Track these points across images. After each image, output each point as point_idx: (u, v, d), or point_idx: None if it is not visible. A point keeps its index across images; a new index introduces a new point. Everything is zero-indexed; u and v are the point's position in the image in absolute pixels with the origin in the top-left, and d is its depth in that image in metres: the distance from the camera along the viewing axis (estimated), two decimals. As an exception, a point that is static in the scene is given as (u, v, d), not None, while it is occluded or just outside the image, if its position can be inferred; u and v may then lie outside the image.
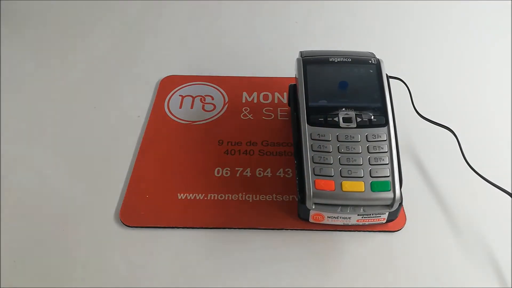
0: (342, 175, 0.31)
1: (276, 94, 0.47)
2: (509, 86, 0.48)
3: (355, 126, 0.32)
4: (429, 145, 0.41)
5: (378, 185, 0.30)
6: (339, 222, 0.33)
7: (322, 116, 0.33)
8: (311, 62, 0.36)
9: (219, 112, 0.45)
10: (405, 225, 0.35)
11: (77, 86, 0.49)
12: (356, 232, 0.34)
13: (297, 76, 0.36)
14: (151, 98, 0.47)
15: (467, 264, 0.33)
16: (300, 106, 0.34)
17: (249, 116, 0.44)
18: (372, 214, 0.32)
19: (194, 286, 0.32)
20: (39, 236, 0.35)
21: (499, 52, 0.53)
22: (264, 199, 0.37)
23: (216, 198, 0.37)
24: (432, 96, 0.46)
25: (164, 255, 0.33)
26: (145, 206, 0.36)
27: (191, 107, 0.46)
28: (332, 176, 0.31)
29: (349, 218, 0.33)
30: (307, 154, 0.32)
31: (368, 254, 0.33)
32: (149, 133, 0.43)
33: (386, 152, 0.31)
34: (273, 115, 0.44)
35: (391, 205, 0.31)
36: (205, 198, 0.37)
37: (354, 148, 0.31)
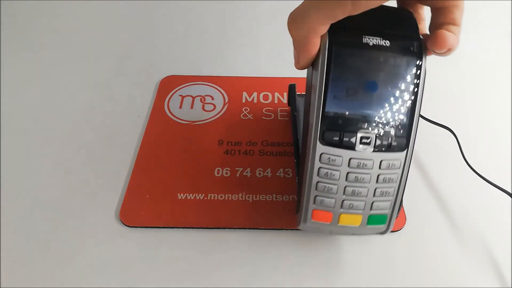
0: (343, 207, 0.28)
1: (276, 94, 0.47)
2: (509, 86, 0.48)
3: (372, 150, 0.26)
4: (429, 145, 0.41)
5: (375, 219, 0.28)
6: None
7: (338, 133, 0.26)
8: (341, 43, 0.25)
9: (219, 112, 0.45)
10: (405, 225, 0.35)
11: (77, 86, 0.49)
12: (356, 232, 0.35)
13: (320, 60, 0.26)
14: (151, 98, 0.47)
15: (467, 264, 0.33)
16: (311, 109, 0.27)
17: (249, 116, 0.44)
18: None
19: (194, 286, 0.32)
20: (39, 236, 0.35)
21: (499, 52, 0.53)
22: (264, 199, 0.37)
23: (216, 198, 0.37)
24: (432, 96, 0.46)
25: (164, 255, 0.33)
26: (145, 206, 0.36)
27: (191, 107, 0.46)
28: (332, 207, 0.28)
29: None
30: (312, 178, 0.27)
31: (368, 254, 0.33)
32: (149, 133, 0.43)
33: (395, 183, 0.27)
34: (273, 115, 0.44)
35: (383, 233, 0.30)
36: (205, 198, 0.37)
37: (363, 179, 0.27)
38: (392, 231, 0.34)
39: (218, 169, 0.39)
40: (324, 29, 0.25)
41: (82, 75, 0.51)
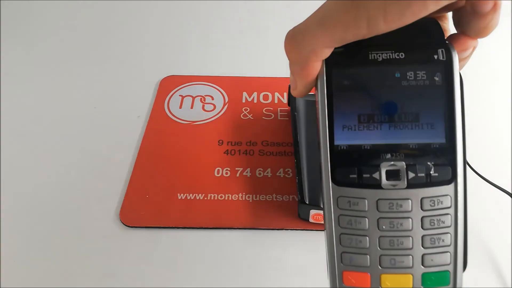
0: (382, 265, 0.21)
1: (276, 94, 0.47)
2: (509, 86, 0.48)
3: (405, 186, 0.20)
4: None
5: (433, 279, 0.21)
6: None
7: (355, 170, 0.21)
8: (341, 63, 0.21)
9: (219, 112, 0.45)
10: (405, 225, 0.35)
11: (77, 86, 0.49)
12: (356, 232, 0.34)
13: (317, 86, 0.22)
14: (151, 98, 0.47)
15: (467, 264, 0.33)
16: (318, 144, 0.22)
17: (249, 116, 0.44)
18: None
19: (194, 286, 0.32)
20: (39, 236, 0.35)
21: (499, 52, 0.53)
22: (264, 199, 0.37)
23: (216, 198, 0.37)
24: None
25: (164, 255, 0.33)
26: (145, 206, 0.36)
27: (191, 107, 0.46)
28: (368, 267, 0.21)
29: None
30: (332, 231, 0.21)
31: (368, 254, 0.33)
32: (149, 133, 0.43)
33: (449, 227, 0.21)
34: (273, 115, 0.44)
35: None
36: (205, 198, 0.37)
37: (401, 225, 0.21)
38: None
39: (218, 169, 0.39)
40: (327, 52, 0.20)
41: (82, 75, 0.51)
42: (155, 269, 0.33)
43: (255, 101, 0.46)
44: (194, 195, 0.37)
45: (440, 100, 0.20)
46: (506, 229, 0.35)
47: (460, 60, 0.21)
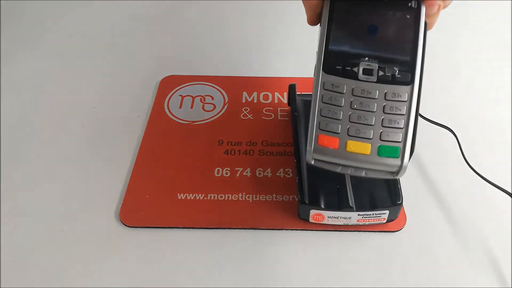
0: (349, 133, 0.28)
1: (276, 94, 0.47)
2: (509, 86, 0.48)
3: (375, 80, 0.28)
4: (429, 145, 0.41)
5: (386, 150, 0.27)
6: (339, 222, 0.33)
7: (340, 64, 0.28)
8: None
9: (219, 112, 0.45)
10: (405, 225, 0.35)
11: (77, 86, 0.49)
12: (356, 232, 0.34)
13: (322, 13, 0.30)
14: (151, 98, 0.47)
15: (467, 264, 0.33)
16: (318, 49, 0.29)
17: (249, 116, 0.44)
18: (373, 214, 0.32)
19: (194, 286, 0.32)
20: (39, 236, 0.35)
21: (499, 52, 0.53)
22: (264, 199, 0.37)
23: (216, 198, 0.37)
24: (432, 96, 0.46)
25: (164, 255, 0.33)
26: (145, 206, 0.36)
27: (191, 107, 0.46)
28: (338, 133, 0.28)
29: (350, 218, 0.33)
30: (316, 105, 0.28)
31: (368, 254, 0.33)
32: (149, 133, 0.43)
33: (403, 115, 0.28)
34: (273, 115, 0.44)
35: (396, 173, 0.28)
36: (205, 198, 0.37)
37: (368, 106, 0.28)
38: (392, 231, 0.34)
39: (218, 169, 0.39)
40: None
41: (82, 76, 0.51)
42: (155, 269, 0.33)
43: (255, 101, 0.46)
44: (194, 195, 0.37)
45: (409, 31, 0.28)
46: (506, 229, 0.35)
47: (429, 16, 0.28)
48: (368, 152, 0.27)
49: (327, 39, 0.29)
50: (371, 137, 0.27)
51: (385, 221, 0.34)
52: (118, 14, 0.61)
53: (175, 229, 0.35)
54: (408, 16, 0.29)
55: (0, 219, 0.36)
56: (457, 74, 0.50)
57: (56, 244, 0.34)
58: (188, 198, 0.37)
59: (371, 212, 0.32)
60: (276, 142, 0.41)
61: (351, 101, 0.28)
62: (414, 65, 0.28)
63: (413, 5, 0.29)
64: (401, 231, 0.35)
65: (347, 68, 0.28)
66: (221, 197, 0.37)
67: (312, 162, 0.28)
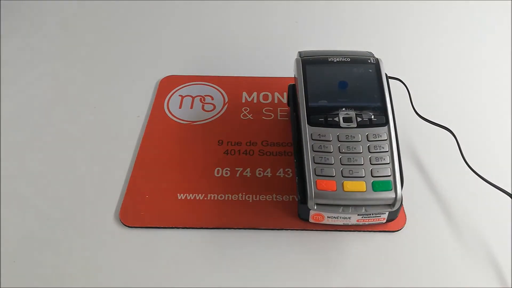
0: (344, 175, 0.31)
1: (276, 94, 0.47)
2: (509, 86, 0.48)
3: (356, 126, 0.32)
4: (428, 146, 0.41)
5: (380, 185, 0.30)
6: (339, 222, 0.33)
7: (322, 116, 0.33)
8: (310, 62, 0.36)
9: (219, 112, 0.45)
10: (405, 225, 0.35)
11: (77, 86, 0.49)
12: (356, 232, 0.34)
13: (296, 76, 0.36)
14: (151, 98, 0.47)
15: (467, 264, 0.33)
16: (300, 106, 0.34)
17: (249, 116, 0.44)
18: (373, 214, 0.32)
19: (194, 286, 0.32)
20: (39, 236, 0.35)
21: (499, 52, 0.53)
22: (264, 199, 0.37)
23: (216, 198, 0.37)
24: (431, 96, 0.46)
25: (164, 255, 0.33)
26: (145, 206, 0.36)
27: (191, 107, 0.46)
28: (334, 176, 0.31)
29: (349, 218, 0.33)
30: (308, 155, 0.31)
31: (368, 254, 0.33)
32: (149, 133, 0.43)
33: (387, 151, 0.31)
34: (273, 115, 0.44)
35: (392, 205, 0.31)
36: (205, 198, 0.37)
37: (355, 148, 0.31)
38: (392, 231, 0.34)
39: (218, 169, 0.39)
40: None
41: (82, 75, 0.51)
42: (155, 269, 0.33)
43: (255, 101, 0.46)
44: (194, 195, 0.37)
45: (374, 82, 0.34)
46: (506, 229, 0.35)
47: None
48: (364, 189, 0.30)
49: (306, 97, 0.34)
50: (364, 175, 0.31)
51: (385, 221, 0.34)
52: (118, 13, 0.61)
53: (175, 229, 0.35)
54: (370, 70, 0.35)
55: (0, 219, 0.36)
56: (457, 75, 0.50)
57: (56, 244, 0.34)
58: (188, 198, 0.37)
59: (370, 212, 0.32)
60: (276, 142, 0.41)
61: (339, 146, 0.32)
62: (386, 109, 0.33)
63: (372, 61, 0.35)
64: (401, 231, 0.35)
65: (329, 119, 0.33)
66: (221, 197, 0.37)
67: (315, 208, 0.31)
